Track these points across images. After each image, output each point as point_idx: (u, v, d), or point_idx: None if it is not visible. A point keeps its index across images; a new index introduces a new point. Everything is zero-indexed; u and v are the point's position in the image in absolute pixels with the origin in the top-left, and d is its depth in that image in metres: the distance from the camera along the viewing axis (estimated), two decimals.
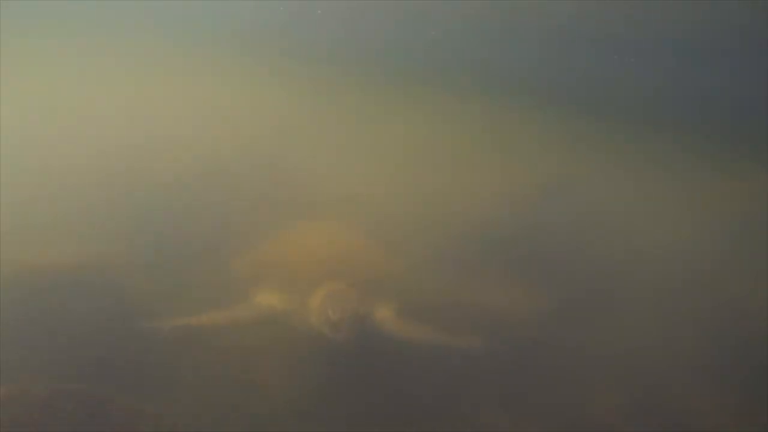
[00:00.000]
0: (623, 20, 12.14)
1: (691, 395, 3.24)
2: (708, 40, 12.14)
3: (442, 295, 3.75)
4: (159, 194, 4.71)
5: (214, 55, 10.61)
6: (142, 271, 3.56)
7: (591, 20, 12.49)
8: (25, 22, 11.70)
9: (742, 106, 11.08)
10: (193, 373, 2.88)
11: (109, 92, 7.58)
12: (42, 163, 4.94)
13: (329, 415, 2.82)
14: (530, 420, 2.92)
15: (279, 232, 3.99)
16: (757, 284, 4.36)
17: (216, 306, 3.19)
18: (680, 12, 11.49)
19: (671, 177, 6.84)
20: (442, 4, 13.59)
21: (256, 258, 3.72)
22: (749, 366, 3.48)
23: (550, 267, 4.45)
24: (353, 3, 14.63)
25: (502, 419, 2.90)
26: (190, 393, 2.75)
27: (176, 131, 6.29)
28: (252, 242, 3.91)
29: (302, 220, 4.26)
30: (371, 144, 6.89)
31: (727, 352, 3.63)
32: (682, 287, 4.28)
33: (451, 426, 2.86)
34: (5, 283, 3.19)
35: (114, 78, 8.40)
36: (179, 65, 9.58)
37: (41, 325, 3.03)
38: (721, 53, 12.36)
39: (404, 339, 3.21)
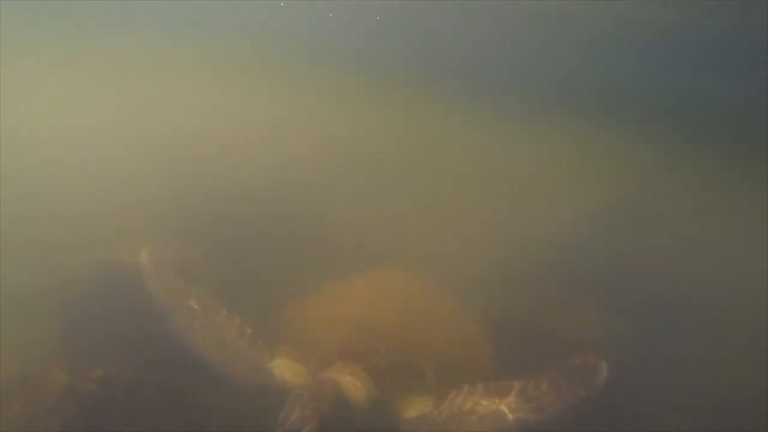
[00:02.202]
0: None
1: None
2: None
3: None
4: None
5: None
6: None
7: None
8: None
9: None
10: None
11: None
12: (126, 170, 5.32)
13: None
14: None
15: (321, 287, 3.39)
16: None
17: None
18: None
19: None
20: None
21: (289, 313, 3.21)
22: None
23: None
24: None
25: None
26: None
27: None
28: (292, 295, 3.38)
29: (342, 276, 3.55)
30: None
31: None
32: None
33: None
34: (98, 280, 3.49)
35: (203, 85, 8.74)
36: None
37: (130, 318, 3.23)
38: None
39: None
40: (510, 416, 2.57)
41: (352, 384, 2.66)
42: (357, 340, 2.85)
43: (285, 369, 2.85)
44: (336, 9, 14.81)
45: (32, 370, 2.59)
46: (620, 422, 2.97)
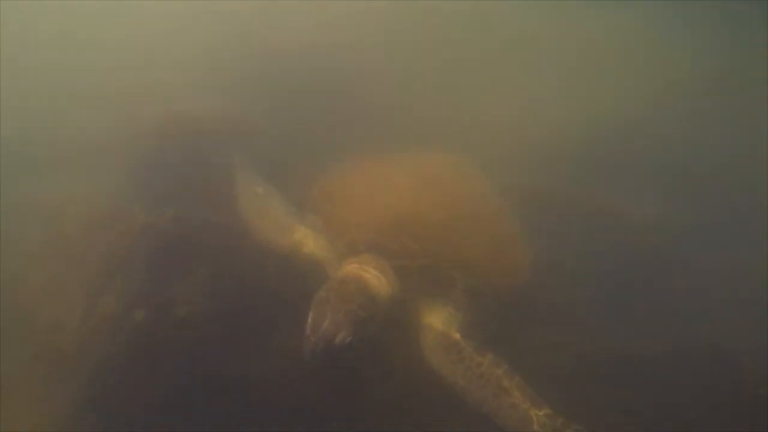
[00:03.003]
0: None
1: None
2: None
3: None
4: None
5: None
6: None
7: None
8: None
9: None
10: None
11: None
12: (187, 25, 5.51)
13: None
14: None
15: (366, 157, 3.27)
16: None
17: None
18: None
19: None
20: None
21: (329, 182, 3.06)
22: None
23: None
24: None
25: None
26: None
27: None
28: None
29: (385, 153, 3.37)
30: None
31: None
32: None
33: None
34: (168, 130, 3.74)
35: None
36: None
37: (196, 166, 3.50)
38: None
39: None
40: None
41: (378, 281, 2.45)
42: (390, 235, 2.59)
43: (311, 238, 2.77)
44: None
45: (118, 208, 3.06)
46: None
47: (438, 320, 2.49)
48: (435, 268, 2.54)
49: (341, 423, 2.44)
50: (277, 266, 2.91)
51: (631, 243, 3.51)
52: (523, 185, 3.51)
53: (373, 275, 2.46)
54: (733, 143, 4.60)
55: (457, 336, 2.44)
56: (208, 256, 2.98)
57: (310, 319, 2.28)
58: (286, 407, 2.46)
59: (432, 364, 2.37)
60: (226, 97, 4.22)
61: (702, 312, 3.19)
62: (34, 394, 2.41)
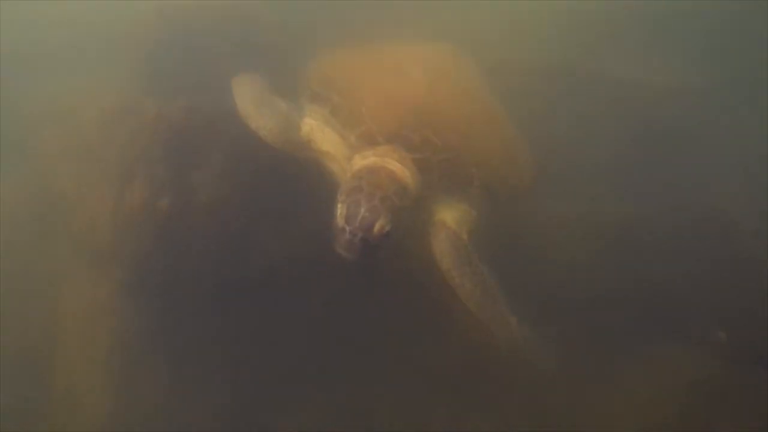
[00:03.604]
0: None
1: None
2: None
3: None
4: None
5: None
6: None
7: None
8: None
9: None
10: None
11: None
12: None
13: None
14: None
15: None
16: None
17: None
18: None
19: None
20: None
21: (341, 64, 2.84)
22: None
23: None
24: None
25: None
26: None
27: None
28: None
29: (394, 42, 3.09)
30: None
31: None
32: None
33: None
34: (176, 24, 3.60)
35: None
36: None
37: (205, 58, 3.41)
38: None
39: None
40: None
41: (403, 172, 2.35)
42: (412, 127, 2.42)
43: (317, 132, 2.58)
44: None
45: (129, 101, 3.07)
46: None
47: (451, 218, 2.43)
48: (455, 162, 2.44)
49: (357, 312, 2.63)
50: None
51: (634, 112, 3.47)
52: (522, 59, 3.40)
53: (397, 166, 2.35)
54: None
55: (466, 237, 2.39)
56: (222, 144, 3.04)
57: (341, 209, 2.15)
58: (310, 292, 2.69)
59: (441, 264, 2.32)
60: None
61: (706, 180, 3.25)
62: (83, 283, 2.71)
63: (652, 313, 2.82)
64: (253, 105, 2.62)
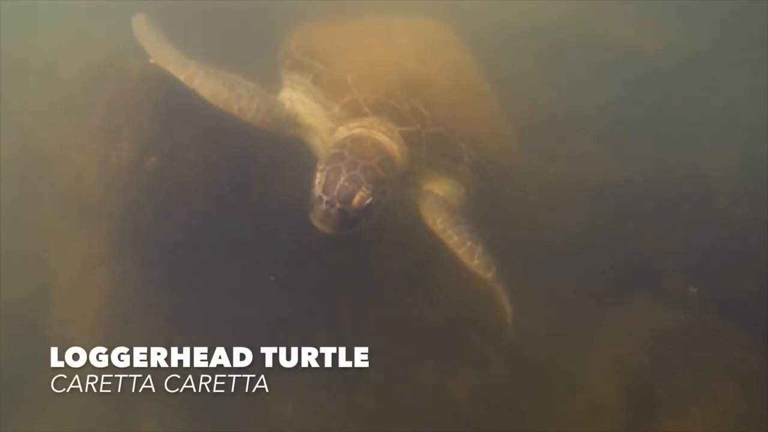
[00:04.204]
0: None
1: None
2: None
3: None
4: None
5: None
6: None
7: None
8: None
9: None
10: None
11: None
12: None
13: None
14: None
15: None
16: None
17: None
18: None
19: None
20: None
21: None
22: None
23: None
24: None
25: None
26: None
27: None
28: None
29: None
30: None
31: None
32: None
33: None
34: None
35: None
36: None
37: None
38: None
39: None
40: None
41: (390, 143, 2.21)
42: (400, 97, 2.27)
43: (297, 102, 2.40)
44: None
45: (113, 59, 3.02)
46: None
47: (439, 189, 2.38)
48: (445, 137, 2.32)
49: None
50: None
51: (623, 73, 3.50)
52: (512, 20, 3.38)
53: (385, 138, 2.21)
54: None
55: (455, 203, 2.37)
56: (207, 104, 3.05)
57: (319, 177, 2.00)
58: (297, 248, 2.72)
59: (435, 226, 2.27)
60: None
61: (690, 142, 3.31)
62: (74, 239, 2.74)
63: (631, 268, 2.92)
64: (226, 87, 2.36)
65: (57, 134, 2.89)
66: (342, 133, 2.27)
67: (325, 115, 2.34)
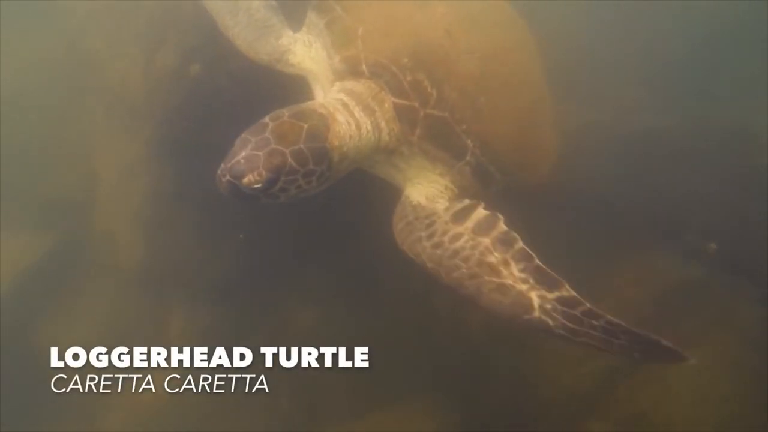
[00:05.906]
0: None
1: None
2: None
3: None
4: None
5: None
6: None
7: None
8: None
9: None
10: None
11: None
12: None
13: None
14: None
15: None
16: None
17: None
18: None
19: None
20: None
21: None
22: None
23: None
24: None
25: None
26: None
27: None
28: None
29: None
30: None
31: None
32: None
33: None
34: None
35: None
36: None
37: None
38: None
39: None
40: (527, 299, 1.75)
41: (348, 133, 1.92)
42: (405, 65, 1.96)
43: (301, 45, 2.21)
44: None
45: None
46: None
47: (422, 193, 2.03)
48: (448, 125, 1.97)
49: None
50: None
51: (663, 23, 3.29)
52: None
53: (345, 122, 1.92)
54: None
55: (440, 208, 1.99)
56: None
57: (235, 143, 1.83)
58: None
59: (397, 241, 1.95)
60: None
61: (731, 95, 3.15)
62: (116, 140, 2.89)
63: (654, 220, 2.89)
64: (231, 13, 2.26)
65: (102, 39, 2.96)
66: (334, 91, 2.05)
67: (328, 64, 2.11)
